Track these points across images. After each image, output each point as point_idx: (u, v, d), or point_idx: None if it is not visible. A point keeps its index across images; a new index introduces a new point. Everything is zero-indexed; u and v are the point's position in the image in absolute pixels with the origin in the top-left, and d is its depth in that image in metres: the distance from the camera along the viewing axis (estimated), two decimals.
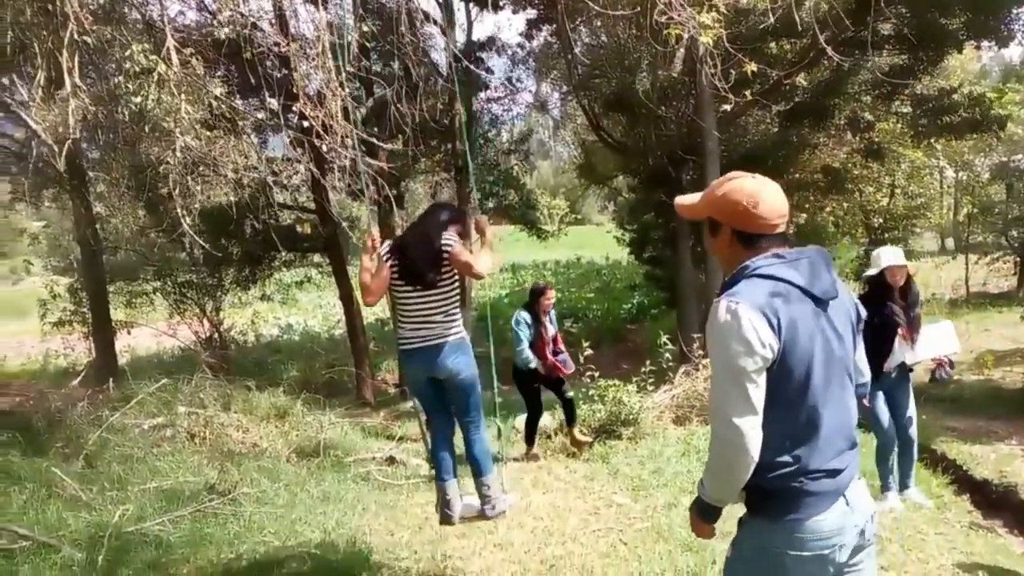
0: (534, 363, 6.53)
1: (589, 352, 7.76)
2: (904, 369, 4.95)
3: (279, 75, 6.64)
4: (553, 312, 6.82)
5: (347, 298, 13.79)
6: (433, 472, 4.23)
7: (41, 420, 5.90)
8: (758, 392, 1.83)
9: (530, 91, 18.44)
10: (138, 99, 5.48)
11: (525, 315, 6.58)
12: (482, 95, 15.59)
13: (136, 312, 14.16)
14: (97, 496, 5.04)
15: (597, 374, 7.68)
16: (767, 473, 1.89)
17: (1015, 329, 13.10)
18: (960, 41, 12.21)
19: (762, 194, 1.98)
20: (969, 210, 24.29)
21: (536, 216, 18.63)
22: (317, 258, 15.34)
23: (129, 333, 13.62)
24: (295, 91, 5.57)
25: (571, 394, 6.92)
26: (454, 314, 3.90)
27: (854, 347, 2.03)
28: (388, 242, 4.04)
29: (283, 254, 14.05)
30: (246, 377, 8.66)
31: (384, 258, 3.91)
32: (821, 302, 1.92)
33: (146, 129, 6.25)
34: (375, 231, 4.27)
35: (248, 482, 5.51)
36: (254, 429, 7.01)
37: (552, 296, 6.71)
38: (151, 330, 14.28)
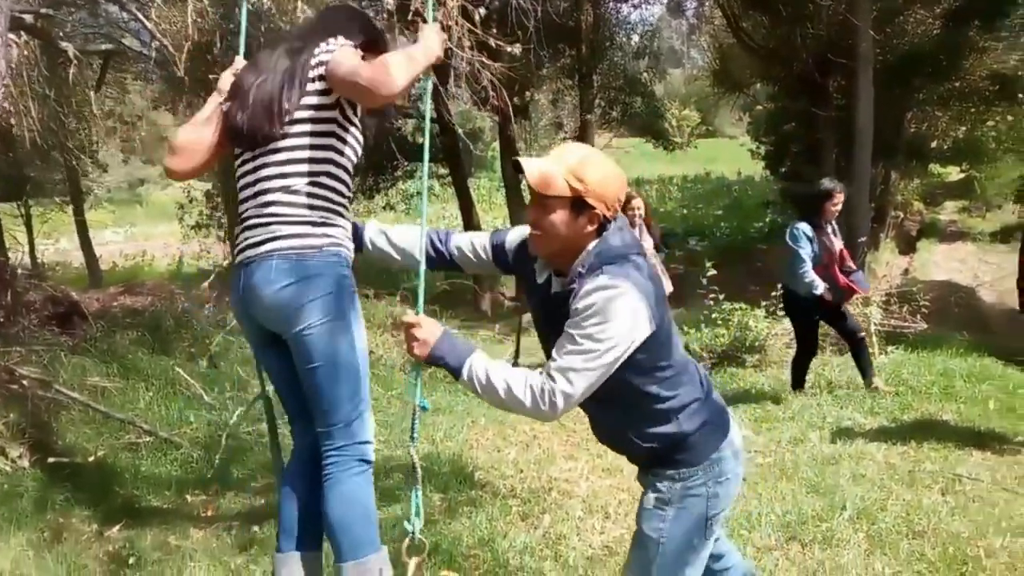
0: (821, 288, 5.26)
1: (713, 272, 7.31)
2: None
3: None
4: (835, 223, 5.56)
5: (466, 209, 13.75)
6: None
7: (170, 321, 6.13)
8: (604, 378, 1.85)
9: None
10: None
11: (805, 227, 5.33)
12: None
13: None
14: (218, 396, 5.21)
15: (722, 296, 7.24)
16: (682, 420, 1.98)
17: None
18: None
19: (622, 176, 1.97)
20: None
21: (664, 127, 17.73)
22: (440, 170, 15.28)
23: None
24: None
25: (863, 333, 5.71)
26: (312, 197, 2.15)
27: None
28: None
29: (404, 164, 14.05)
30: (366, 286, 8.77)
31: (224, 104, 2.26)
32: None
33: (262, 30, 6.14)
34: (240, 62, 2.38)
35: None
36: (370, 337, 7.08)
37: (841, 201, 5.43)
38: None
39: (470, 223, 13.81)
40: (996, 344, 7.87)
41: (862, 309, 7.14)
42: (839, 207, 5.40)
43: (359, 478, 2.22)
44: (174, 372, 5.30)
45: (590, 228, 1.91)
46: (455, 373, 1.92)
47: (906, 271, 14.87)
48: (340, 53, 2.14)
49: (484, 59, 5.89)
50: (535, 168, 1.90)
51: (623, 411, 2.01)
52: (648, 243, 6.04)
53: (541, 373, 1.87)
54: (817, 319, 5.60)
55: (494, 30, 6.62)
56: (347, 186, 2.27)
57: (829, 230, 5.43)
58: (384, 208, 16.96)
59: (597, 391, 1.87)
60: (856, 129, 11.24)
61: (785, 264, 5.57)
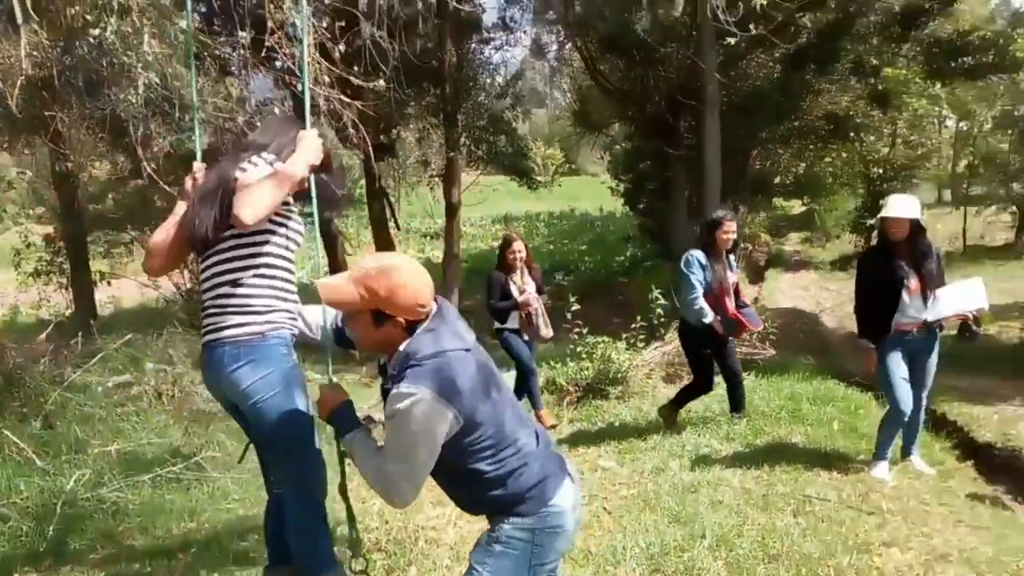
0: (710, 317, 5.21)
1: (577, 307, 7.45)
2: (930, 328, 4.50)
3: (254, 3, 6.15)
4: (732, 256, 5.55)
5: (332, 248, 13.46)
6: None
7: None
8: (431, 467, 2.04)
9: (524, 31, 17.71)
10: (96, 31, 5.03)
11: (698, 255, 5.28)
12: (474, 36, 14.96)
13: (117, 263, 13.73)
14: (53, 460, 4.77)
15: (586, 330, 7.39)
16: (510, 484, 2.12)
17: (1012, 283, 12.84)
18: None
19: (422, 281, 2.06)
20: (970, 161, 23.91)
21: (528, 165, 18.14)
22: (305, 208, 14.84)
23: (109, 284, 13.19)
24: (269, 23, 5.11)
25: (742, 375, 5.79)
26: (256, 287, 2.57)
27: None
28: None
29: None
30: None
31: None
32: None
33: (104, 64, 5.79)
34: (198, 168, 2.80)
35: (215, 445, 5.23)
36: None
37: (733, 230, 5.35)
38: (136, 282, 13.86)
39: (335, 263, 13.50)
40: (837, 367, 8.45)
41: None
42: (732, 235, 5.33)
43: (310, 512, 2.71)
44: (2, 436, 4.81)
45: (397, 331, 2.05)
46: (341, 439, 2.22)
47: (755, 300, 15.78)
48: (249, 174, 2.52)
49: (344, 97, 5.79)
50: (326, 289, 2.04)
51: (456, 482, 2.21)
52: (530, 287, 5.95)
53: None
54: (709, 352, 5.50)
55: (355, 68, 6.53)
56: (289, 271, 2.69)
57: (725, 261, 5.39)
58: None
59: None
60: (705, 167, 11.91)
61: (680, 293, 5.52)
